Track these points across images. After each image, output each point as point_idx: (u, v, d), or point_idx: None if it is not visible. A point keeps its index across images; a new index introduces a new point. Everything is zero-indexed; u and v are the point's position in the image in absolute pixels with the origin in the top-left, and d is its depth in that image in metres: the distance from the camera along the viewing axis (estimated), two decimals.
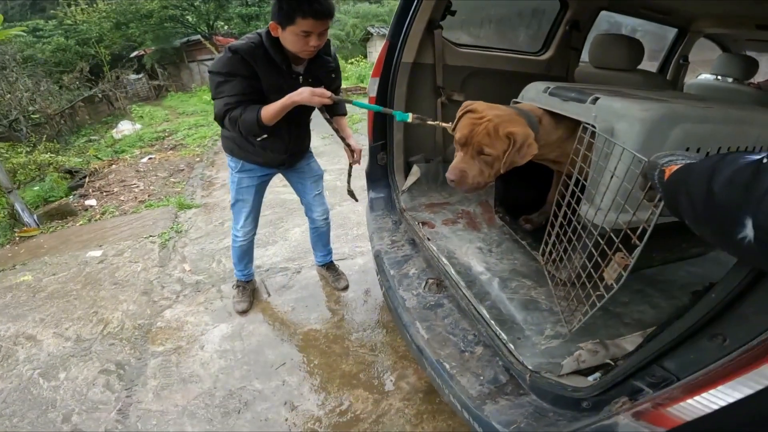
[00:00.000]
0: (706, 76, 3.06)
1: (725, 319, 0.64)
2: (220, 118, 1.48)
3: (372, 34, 12.71)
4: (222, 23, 14.52)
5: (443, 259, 1.48)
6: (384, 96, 1.88)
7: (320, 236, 2.21)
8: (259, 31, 1.49)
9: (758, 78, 3.04)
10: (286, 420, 1.56)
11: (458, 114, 1.24)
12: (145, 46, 14.10)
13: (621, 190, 0.95)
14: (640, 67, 2.07)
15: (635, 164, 0.87)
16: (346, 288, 2.28)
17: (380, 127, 1.93)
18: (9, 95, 6.73)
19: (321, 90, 1.43)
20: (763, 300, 0.59)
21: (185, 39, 14.47)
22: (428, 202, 1.92)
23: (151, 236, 3.02)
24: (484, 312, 1.21)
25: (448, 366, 1.14)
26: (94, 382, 1.80)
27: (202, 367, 1.84)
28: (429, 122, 1.49)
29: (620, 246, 0.90)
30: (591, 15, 2.28)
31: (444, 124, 1.41)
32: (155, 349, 1.97)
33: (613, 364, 0.95)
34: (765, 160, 0.46)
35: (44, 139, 6.84)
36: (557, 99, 1.26)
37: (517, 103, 1.41)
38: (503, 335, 1.12)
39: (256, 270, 2.50)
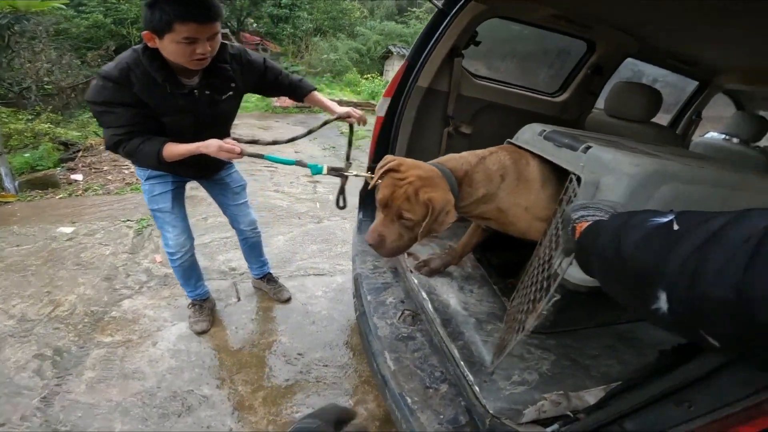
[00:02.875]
0: (714, 135, 3.02)
1: (696, 387, 0.62)
2: (112, 150, 1.32)
3: (392, 53, 12.88)
4: (252, 21, 14.73)
5: (423, 293, 1.45)
6: (392, 118, 1.82)
7: (251, 247, 2.03)
8: (136, 47, 1.28)
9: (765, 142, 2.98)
10: (230, 430, 1.45)
11: (379, 168, 1.16)
12: None
13: None
14: (653, 120, 2.01)
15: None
16: (288, 300, 2.15)
17: (383, 146, 1.86)
18: (29, 64, 6.73)
19: (230, 146, 1.29)
20: (738, 371, 0.57)
21: None
22: None
23: (128, 220, 2.88)
24: (455, 351, 1.19)
25: (410, 400, 1.12)
26: (24, 366, 1.66)
27: (149, 364, 1.71)
28: (347, 174, 1.44)
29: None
30: (616, 60, 2.22)
31: (366, 176, 1.37)
32: (102, 339, 1.83)
33: (572, 416, 0.95)
34: (676, 227, 0.44)
35: (49, 109, 6.79)
36: (551, 144, 1.21)
37: (510, 142, 1.39)
38: (470, 376, 1.11)
39: (231, 272, 2.37)
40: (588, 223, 0.64)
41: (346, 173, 1.43)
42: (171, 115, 1.33)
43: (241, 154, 1.31)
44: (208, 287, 2.01)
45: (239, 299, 2.16)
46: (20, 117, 5.74)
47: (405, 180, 1.07)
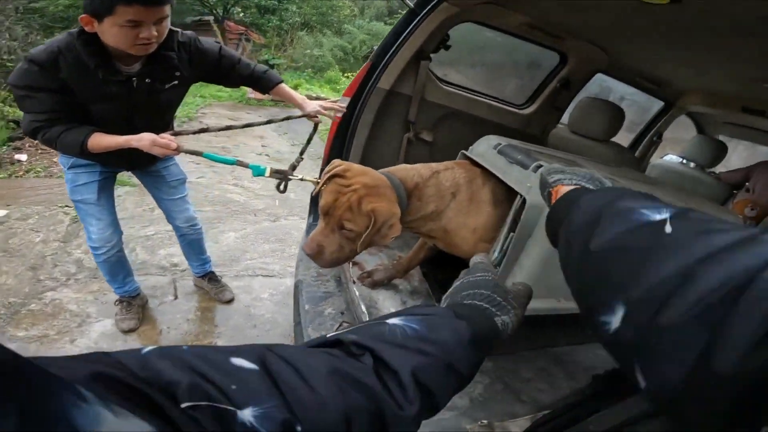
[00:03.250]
0: (672, 157, 3.08)
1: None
2: (30, 136, 1.25)
3: None
4: (239, 10, 14.38)
5: (362, 306, 1.37)
6: (349, 120, 1.73)
7: (190, 245, 1.91)
8: (71, 30, 1.21)
9: (720, 168, 3.07)
10: None
11: (324, 173, 1.09)
12: None
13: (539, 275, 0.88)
14: (614, 139, 2.01)
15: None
16: (231, 301, 2.03)
17: (338, 150, 1.78)
18: None
19: (165, 141, 1.22)
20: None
21: (198, 17, 14.21)
22: None
23: (66, 206, 2.65)
24: None
25: None
26: None
27: None
28: (290, 178, 1.36)
29: None
30: (586, 75, 2.22)
31: (311, 180, 1.31)
32: (15, 333, 1.68)
33: None
34: (669, 229, 0.34)
35: (5, 87, 6.34)
36: (503, 159, 1.15)
37: (464, 154, 1.33)
38: None
39: (171, 268, 2.22)
40: (567, 188, 0.57)
41: (290, 176, 1.34)
42: (101, 103, 1.25)
43: (177, 150, 1.24)
44: (137, 284, 1.88)
45: (176, 297, 2.02)
46: None
47: (350, 187, 0.99)
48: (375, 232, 0.97)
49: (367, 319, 1.31)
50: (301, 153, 1.53)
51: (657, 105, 2.79)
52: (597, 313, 0.36)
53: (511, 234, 1.02)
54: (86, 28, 1.13)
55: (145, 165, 1.61)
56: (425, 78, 1.89)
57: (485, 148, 1.28)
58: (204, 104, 6.90)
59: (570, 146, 2.00)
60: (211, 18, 13.94)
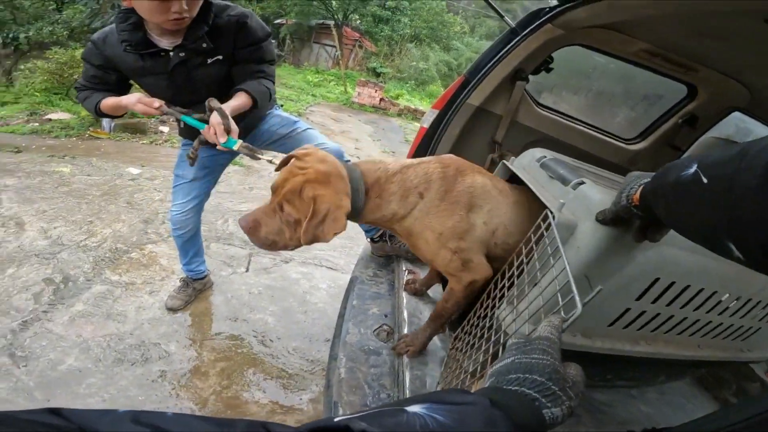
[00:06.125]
0: None
1: None
2: (76, 96, 1.42)
3: None
4: (357, 17, 15.42)
5: (404, 314, 1.36)
6: (434, 133, 1.73)
7: None
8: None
9: None
10: (172, 389, 1.46)
11: (292, 155, 1.00)
12: (289, 17, 15.43)
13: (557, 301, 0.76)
14: None
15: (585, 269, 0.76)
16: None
17: (424, 150, 1.77)
18: None
19: (150, 99, 1.23)
20: None
21: (321, 21, 15.62)
22: None
23: None
24: (407, 379, 1.12)
25: (341, 411, 1.05)
26: (29, 287, 1.79)
27: (136, 310, 1.79)
28: (259, 156, 1.25)
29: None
30: (718, 113, 1.90)
31: (270, 161, 1.21)
32: (110, 276, 1.96)
33: None
34: (705, 180, 0.47)
35: None
36: (545, 173, 1.06)
37: (505, 164, 1.25)
38: None
39: (252, 244, 2.44)
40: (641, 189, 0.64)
41: (258, 155, 1.27)
42: (144, 77, 1.32)
43: (159, 109, 1.22)
44: (205, 269, 1.95)
45: (247, 270, 2.22)
46: None
47: (302, 170, 0.92)
48: (316, 222, 0.90)
49: (406, 328, 1.30)
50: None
51: None
52: (724, 252, 0.46)
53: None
54: (124, 3, 1.17)
55: (246, 132, 1.56)
56: (519, 99, 1.81)
57: (528, 161, 1.20)
58: (314, 102, 7.48)
59: None
60: (332, 23, 15.23)
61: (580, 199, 0.88)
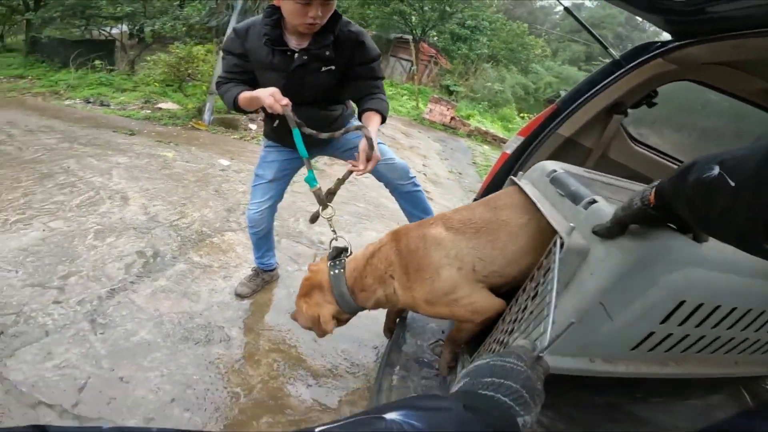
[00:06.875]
0: None
1: None
2: (216, 88, 1.48)
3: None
4: (435, 34, 15.65)
5: None
6: (516, 160, 1.70)
7: (411, 201, 1.80)
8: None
9: None
10: (225, 372, 1.51)
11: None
12: (370, 29, 16.14)
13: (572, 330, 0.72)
14: None
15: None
16: None
17: (497, 186, 1.71)
18: None
19: (281, 96, 1.24)
20: None
21: (399, 35, 16.10)
22: None
23: None
24: None
25: None
26: (122, 257, 1.98)
27: (209, 292, 1.91)
28: (320, 212, 1.32)
29: None
30: None
31: (332, 229, 1.27)
32: (193, 257, 2.12)
33: None
34: (732, 183, 0.46)
35: None
36: (554, 190, 0.98)
37: (512, 179, 1.23)
38: None
39: (318, 244, 2.56)
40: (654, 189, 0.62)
41: (321, 211, 1.30)
42: (267, 71, 1.39)
43: (285, 107, 1.24)
44: (275, 261, 2.04)
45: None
46: None
47: (307, 280, 1.19)
48: (313, 326, 1.17)
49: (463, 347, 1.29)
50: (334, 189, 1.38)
51: None
52: (758, 250, 0.46)
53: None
54: (275, 2, 1.29)
55: (315, 143, 1.56)
56: (613, 133, 1.73)
57: (538, 176, 1.10)
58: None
59: None
60: (410, 37, 15.61)
61: (593, 220, 0.80)
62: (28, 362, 1.37)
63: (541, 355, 0.52)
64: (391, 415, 0.37)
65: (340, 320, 1.18)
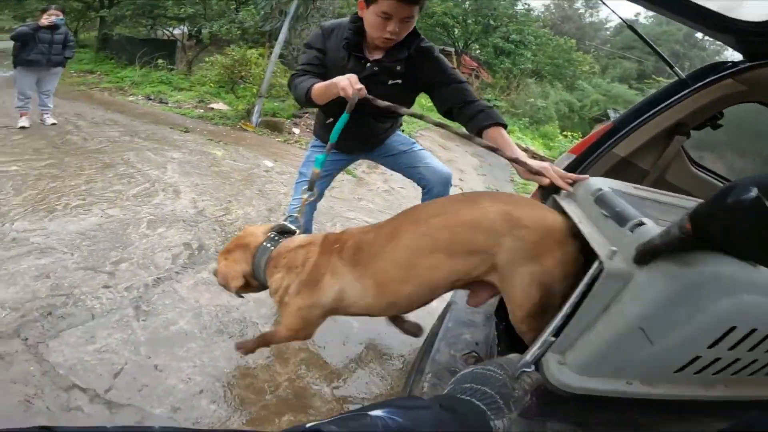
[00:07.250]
0: None
1: None
2: (288, 84, 1.50)
3: (608, 118, 11.64)
4: (477, 47, 15.59)
5: (496, 346, 1.32)
6: None
7: None
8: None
9: None
10: (254, 368, 1.52)
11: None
12: None
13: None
14: None
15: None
16: None
17: (550, 194, 1.68)
18: None
19: (356, 81, 1.19)
20: None
21: (442, 47, 16.19)
22: None
23: None
24: None
25: None
26: (171, 248, 2.06)
27: None
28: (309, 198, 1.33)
29: None
30: None
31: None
32: None
33: None
34: None
35: None
36: (598, 211, 0.91)
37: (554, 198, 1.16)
38: None
39: None
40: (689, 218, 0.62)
41: (305, 194, 1.32)
42: (338, 73, 1.32)
43: (359, 92, 1.19)
44: None
45: None
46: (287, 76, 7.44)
47: (233, 240, 1.25)
48: (225, 280, 1.19)
49: (495, 356, 1.26)
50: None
51: None
52: None
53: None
54: (359, 12, 1.33)
55: (374, 146, 1.68)
56: (673, 155, 1.64)
57: (583, 193, 1.03)
58: (425, 126, 7.70)
59: None
60: (452, 50, 15.63)
61: (639, 242, 0.74)
62: (70, 345, 1.40)
63: (526, 369, 0.57)
64: (375, 412, 0.41)
65: (250, 285, 1.20)
